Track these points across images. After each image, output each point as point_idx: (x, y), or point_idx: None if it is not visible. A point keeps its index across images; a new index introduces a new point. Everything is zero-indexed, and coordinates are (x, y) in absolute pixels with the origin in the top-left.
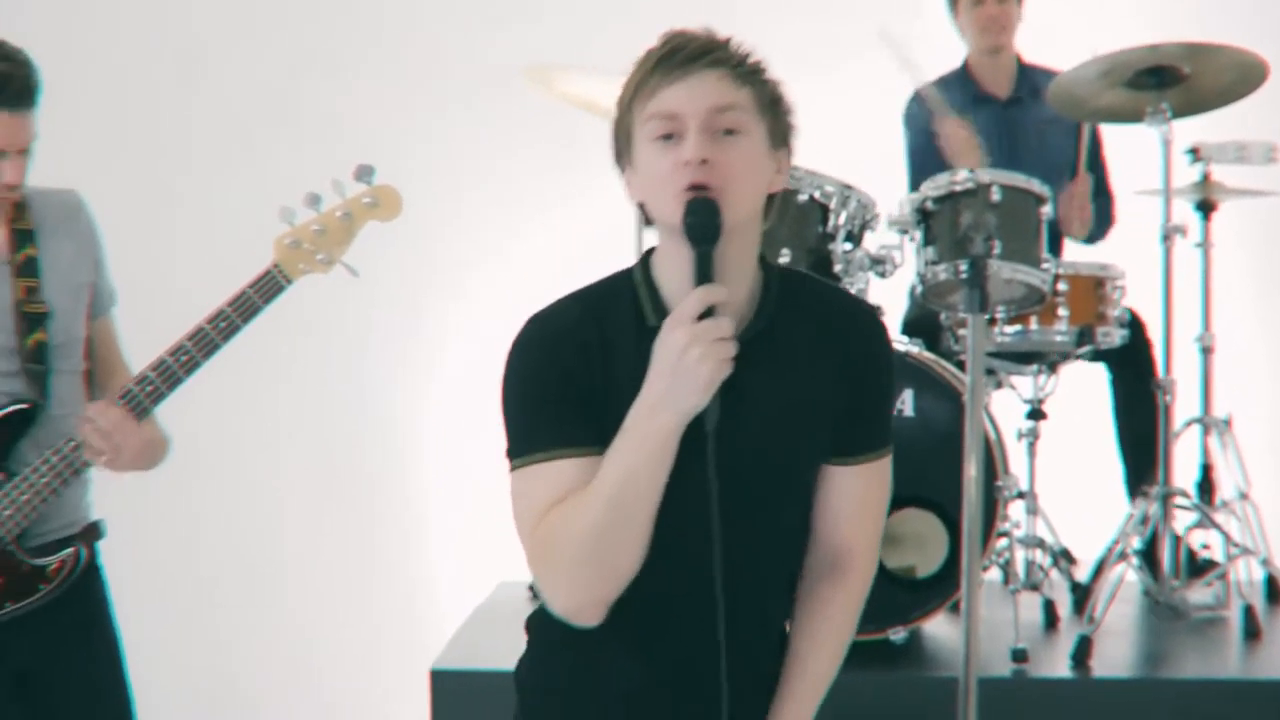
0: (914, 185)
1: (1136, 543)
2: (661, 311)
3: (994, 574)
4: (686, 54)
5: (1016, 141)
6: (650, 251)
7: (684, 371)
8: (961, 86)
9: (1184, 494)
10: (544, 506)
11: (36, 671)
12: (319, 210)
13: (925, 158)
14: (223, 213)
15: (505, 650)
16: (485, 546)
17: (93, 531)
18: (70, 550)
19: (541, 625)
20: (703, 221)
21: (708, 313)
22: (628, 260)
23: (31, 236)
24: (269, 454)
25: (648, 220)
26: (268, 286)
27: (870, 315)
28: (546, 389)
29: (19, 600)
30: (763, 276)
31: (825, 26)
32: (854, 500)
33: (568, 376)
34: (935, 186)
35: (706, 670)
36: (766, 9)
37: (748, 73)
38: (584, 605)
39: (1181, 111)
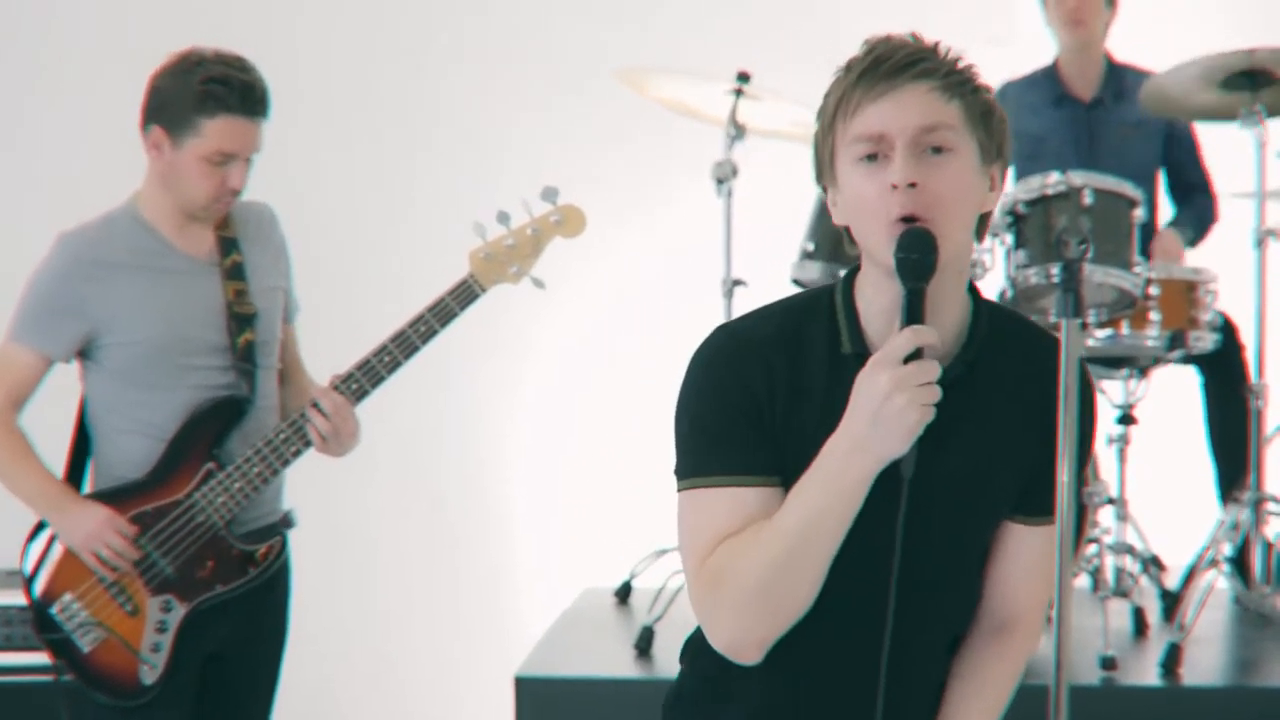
0: None
1: (1227, 549)
2: (858, 340)
3: (1083, 581)
4: (891, 65)
5: (1097, 144)
6: (852, 274)
7: (887, 418)
8: (1046, 85)
9: (1276, 500)
10: (718, 535)
11: (226, 655)
12: (508, 226)
13: None
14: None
15: (589, 657)
16: (570, 552)
17: (287, 521)
18: (277, 537)
19: (696, 656)
20: (916, 259)
21: (914, 354)
22: (716, 264)
23: (236, 244)
24: (353, 460)
25: (852, 242)
26: (464, 294)
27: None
28: (729, 408)
29: (228, 583)
30: (972, 309)
31: (919, 25)
32: (1030, 562)
33: (753, 397)
34: (1027, 190)
35: None
36: (860, 9)
37: (957, 84)
38: (747, 645)
39: (1276, 113)
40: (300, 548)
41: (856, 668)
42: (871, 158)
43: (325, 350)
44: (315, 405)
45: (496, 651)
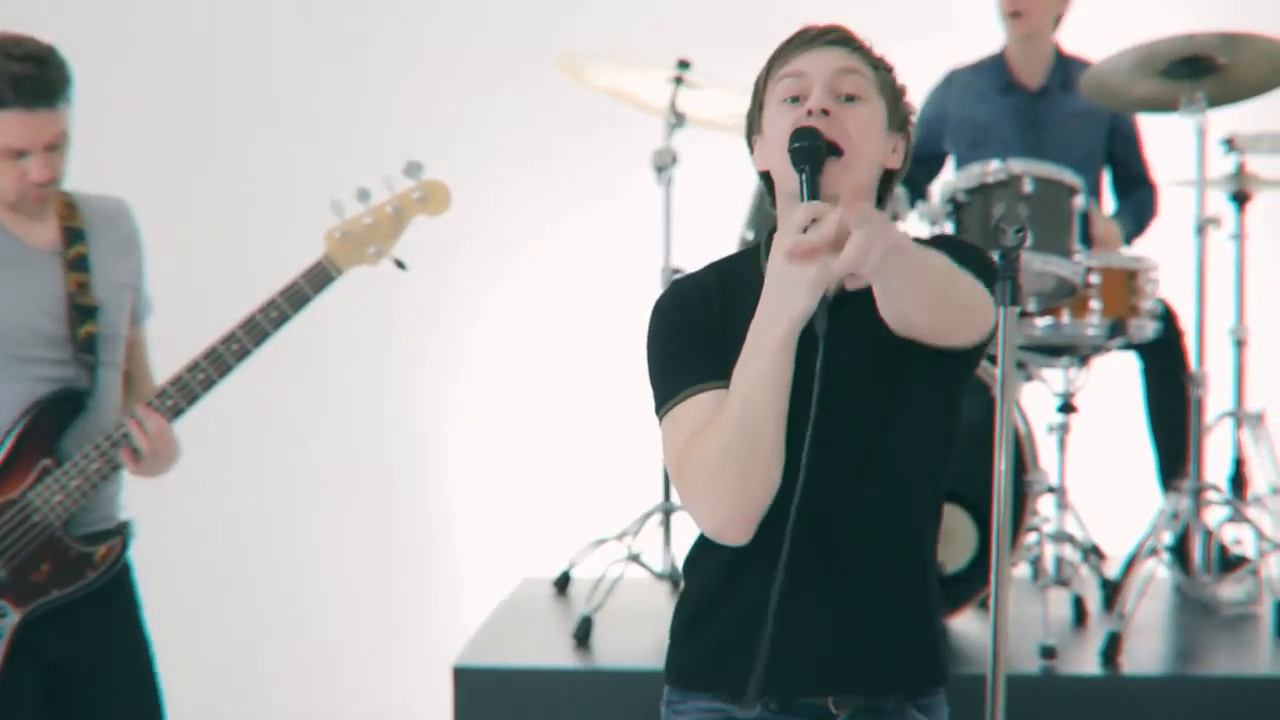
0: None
1: (1167, 538)
2: None
3: (1023, 570)
4: (818, 31)
5: (1042, 133)
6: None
7: (788, 278)
8: (993, 73)
9: (1216, 489)
10: (685, 438)
11: (66, 666)
12: (368, 204)
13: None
14: (254, 207)
15: (528, 647)
16: (509, 542)
17: (125, 529)
18: (117, 538)
19: (694, 566)
20: (808, 145)
21: None
22: (656, 253)
23: (82, 235)
24: (291, 450)
25: (772, 198)
26: (318, 277)
27: (957, 240)
28: (679, 338)
29: (64, 587)
30: None
31: (861, 11)
32: None
33: (697, 327)
34: (967, 178)
35: (801, 579)
36: None
37: (872, 57)
38: (726, 520)
39: (1217, 101)
40: (235, 542)
41: (835, 534)
42: (794, 99)
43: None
44: (137, 421)
45: (435, 641)
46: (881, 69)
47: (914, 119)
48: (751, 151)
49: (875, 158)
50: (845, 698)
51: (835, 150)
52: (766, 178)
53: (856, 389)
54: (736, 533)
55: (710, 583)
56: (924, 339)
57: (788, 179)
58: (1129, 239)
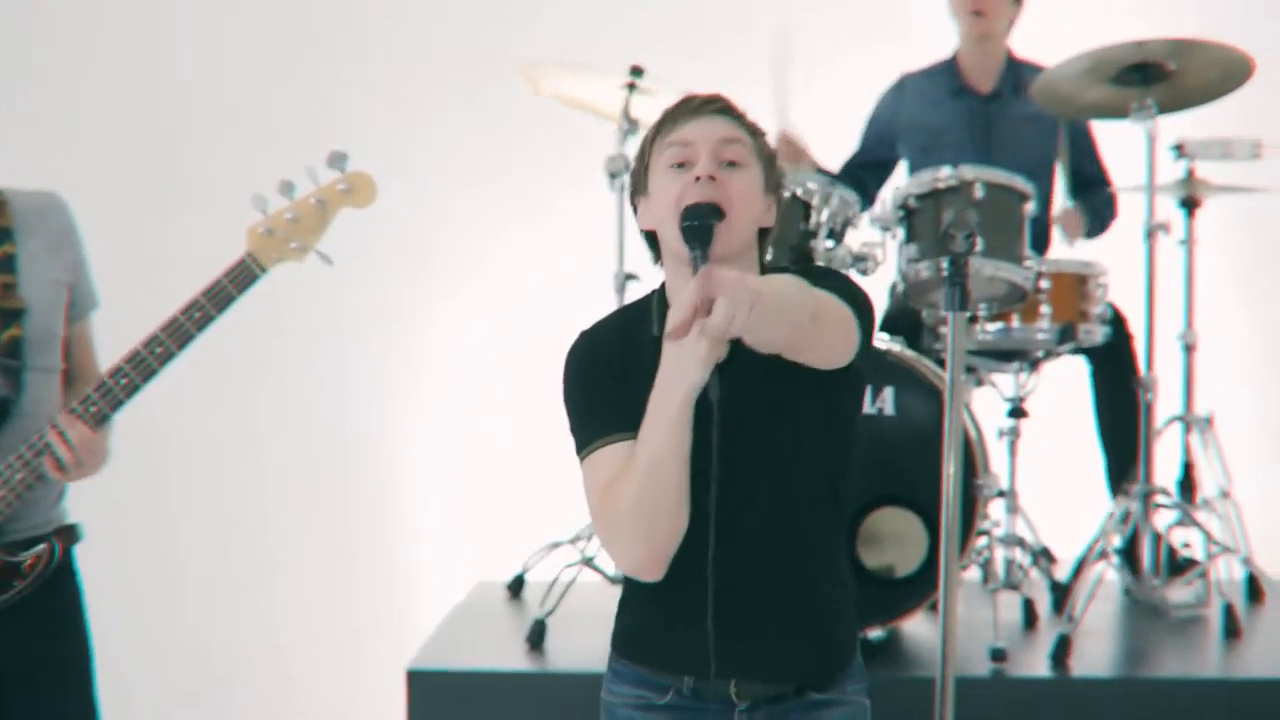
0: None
1: (1117, 541)
2: (664, 324)
3: (973, 573)
4: (701, 101)
5: (993, 137)
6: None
7: (684, 351)
8: (945, 78)
9: (1165, 492)
10: (603, 486)
11: (6, 680)
12: (293, 198)
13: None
14: (210, 208)
15: (482, 651)
16: (464, 546)
17: (68, 534)
18: (44, 546)
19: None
20: (700, 224)
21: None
22: (609, 259)
23: (9, 234)
24: (248, 453)
25: (656, 255)
26: (242, 276)
27: (820, 269)
28: (590, 389)
29: None
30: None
31: (816, 17)
32: None
33: (605, 378)
34: (918, 184)
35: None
36: (756, 5)
37: (749, 125)
38: (640, 562)
39: (1166, 108)
40: (192, 545)
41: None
42: (680, 166)
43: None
44: (58, 432)
45: (391, 644)
46: (758, 136)
47: (783, 182)
48: (635, 210)
49: (754, 218)
50: (745, 684)
51: (720, 213)
52: (651, 236)
53: (750, 422)
54: (649, 574)
55: (630, 605)
56: (794, 359)
57: (673, 240)
58: (1090, 233)
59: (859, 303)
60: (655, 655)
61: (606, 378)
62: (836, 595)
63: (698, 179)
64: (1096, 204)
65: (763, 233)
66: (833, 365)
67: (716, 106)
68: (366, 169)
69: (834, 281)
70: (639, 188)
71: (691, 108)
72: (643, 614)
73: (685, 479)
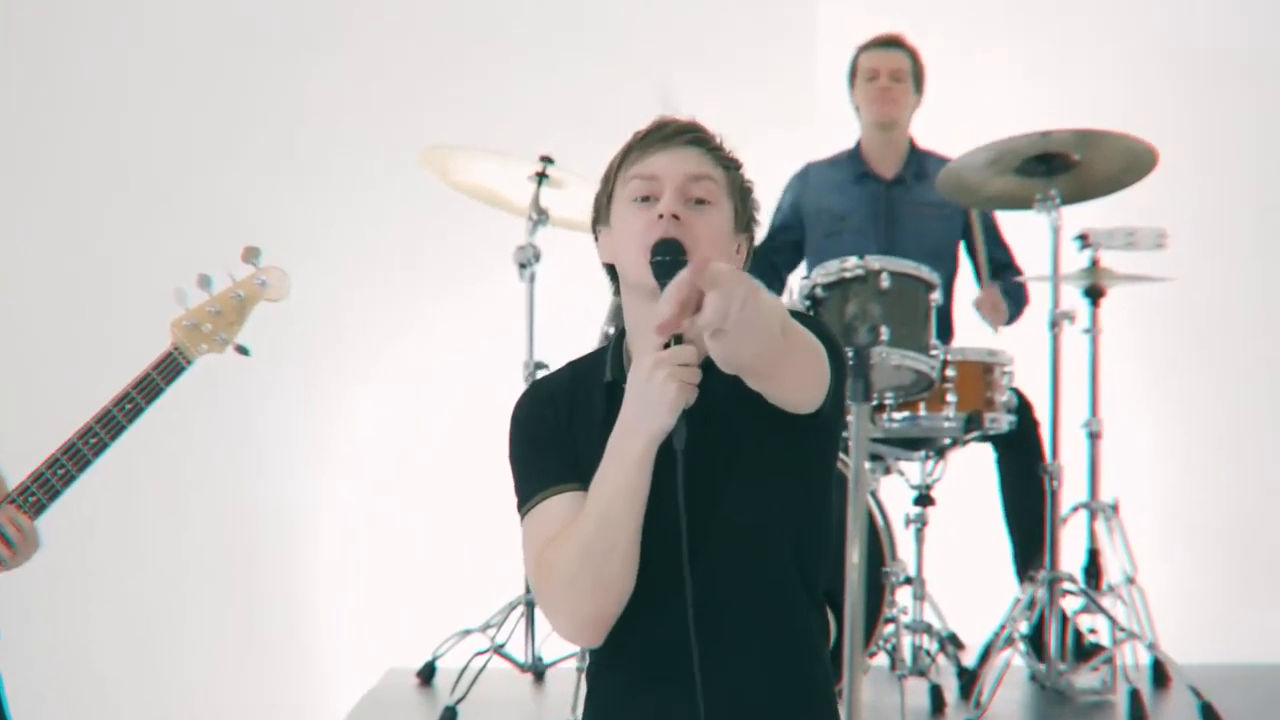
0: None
1: (1023, 627)
2: (619, 368)
3: (881, 659)
4: (672, 129)
5: (895, 223)
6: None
7: (651, 395)
8: (849, 164)
9: (1071, 579)
10: (544, 541)
11: None
12: (211, 291)
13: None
14: (119, 296)
15: None
16: (374, 632)
17: None
18: None
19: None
20: (669, 260)
21: (676, 341)
22: (519, 348)
23: None
24: (160, 540)
25: (615, 287)
26: (169, 368)
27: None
28: (533, 442)
29: None
30: None
31: (723, 108)
32: None
33: (549, 430)
34: (825, 273)
35: (688, 684)
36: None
37: (723, 157)
38: (581, 624)
39: (1070, 198)
40: (103, 627)
41: (679, 631)
42: (645, 199)
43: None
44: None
45: None
46: (732, 169)
47: (759, 216)
48: (596, 239)
49: (721, 260)
50: None
51: (683, 252)
52: (611, 268)
53: (715, 472)
54: (590, 637)
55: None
56: (761, 384)
57: (634, 271)
58: (1011, 318)
59: (830, 342)
60: None
61: (553, 430)
62: (816, 673)
63: (661, 217)
64: (1010, 290)
65: None
66: (802, 404)
67: (689, 137)
68: (279, 263)
69: (804, 320)
70: (600, 217)
71: (661, 136)
72: (617, 682)
73: (639, 532)
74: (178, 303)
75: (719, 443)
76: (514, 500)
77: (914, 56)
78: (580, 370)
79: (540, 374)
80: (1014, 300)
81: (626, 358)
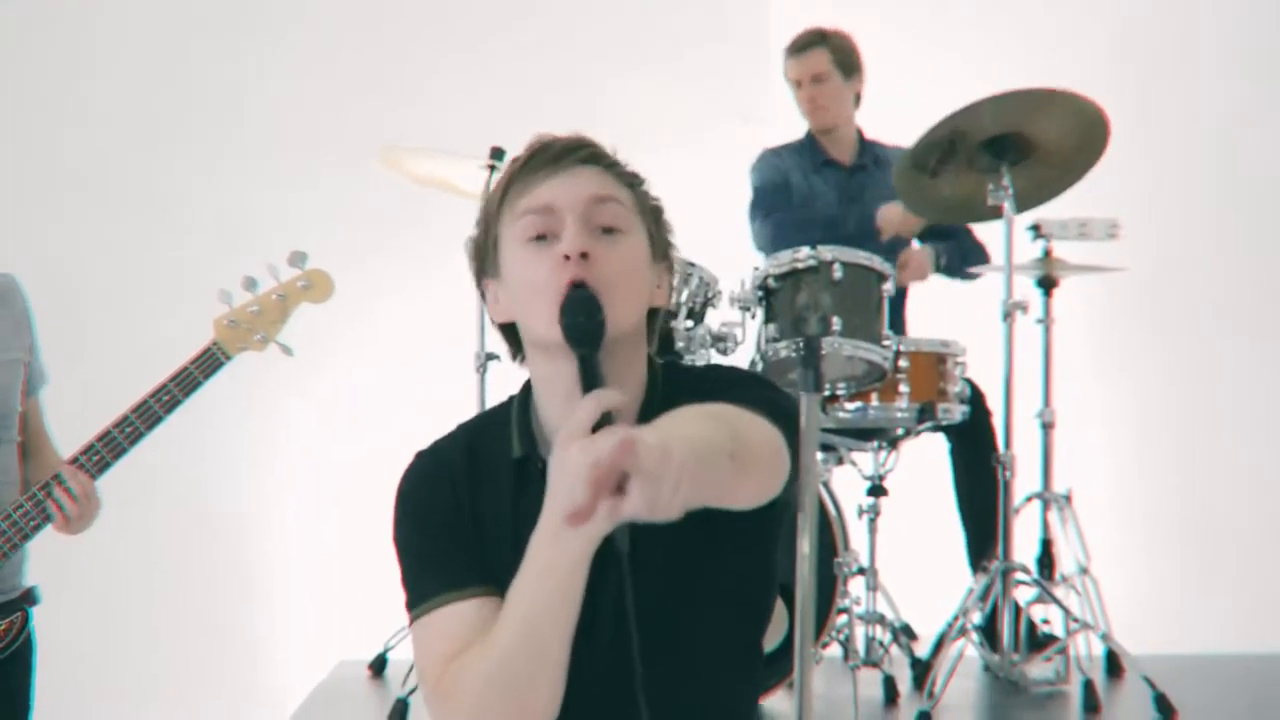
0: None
1: (977, 618)
2: (529, 441)
3: (834, 650)
4: (560, 148)
5: (861, 205)
6: (530, 382)
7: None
8: (808, 152)
9: (1024, 569)
10: (444, 656)
11: None
12: (255, 292)
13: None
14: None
15: None
16: (326, 624)
17: (29, 597)
18: (18, 614)
19: None
20: (583, 321)
21: (604, 421)
22: (470, 340)
23: None
24: (112, 533)
25: (515, 349)
26: (208, 363)
27: (758, 379)
28: (428, 531)
29: None
30: (647, 380)
31: (672, 101)
32: None
33: (447, 516)
34: (777, 264)
35: None
36: (611, 84)
37: (625, 173)
38: None
39: (1026, 194)
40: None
41: None
42: (541, 238)
43: (75, 418)
44: (62, 484)
45: None
46: (637, 186)
47: (673, 240)
48: (484, 296)
49: (641, 299)
50: None
51: (599, 308)
52: (508, 329)
53: (661, 576)
54: None
55: None
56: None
57: (541, 328)
58: (946, 268)
59: (785, 417)
60: None
61: (452, 516)
62: None
63: (567, 258)
64: (960, 243)
65: (652, 312)
66: (760, 502)
67: (581, 155)
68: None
69: (753, 392)
70: (486, 268)
71: (548, 158)
72: None
73: (565, 653)
74: (221, 301)
75: (664, 543)
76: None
77: (834, 47)
78: (478, 439)
79: (491, 365)
80: (952, 255)
81: (537, 428)
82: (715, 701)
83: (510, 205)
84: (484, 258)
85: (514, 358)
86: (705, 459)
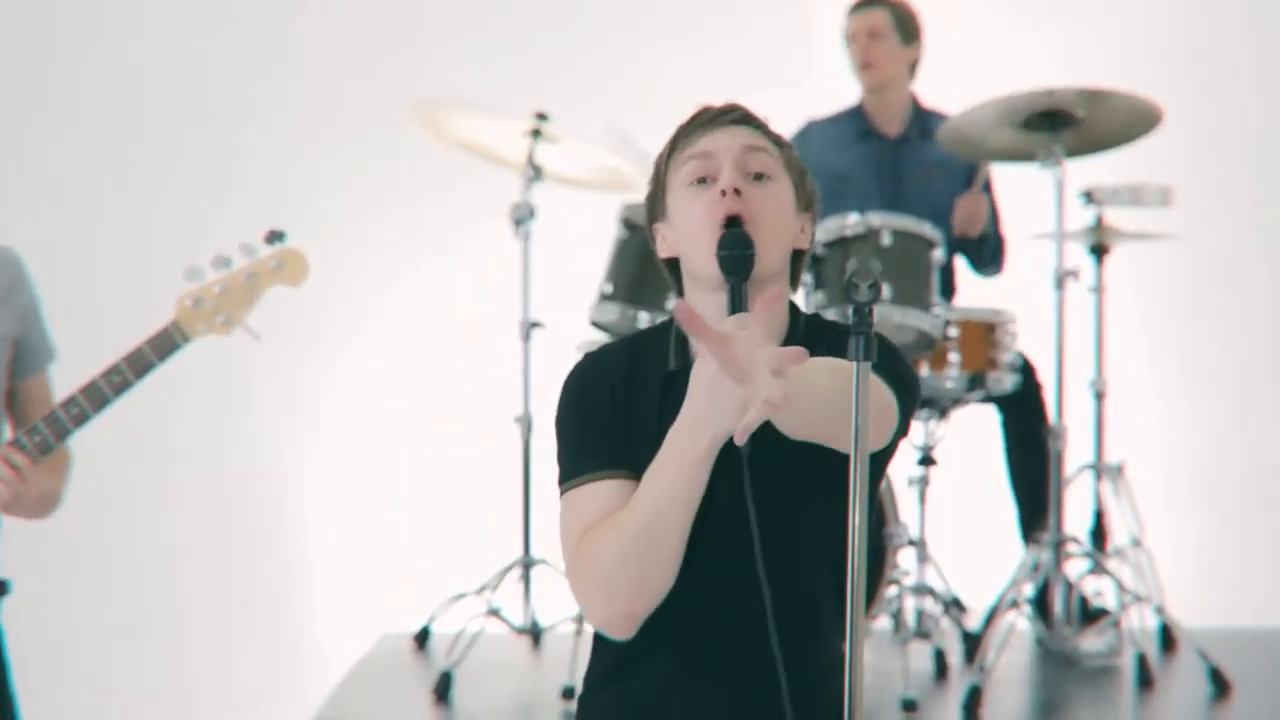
0: None
1: (1028, 590)
2: (682, 357)
3: (884, 623)
4: (718, 111)
5: (901, 181)
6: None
7: (717, 396)
8: (851, 122)
9: (1076, 541)
10: (585, 524)
11: None
12: (225, 271)
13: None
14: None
15: (386, 703)
16: (370, 598)
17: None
18: None
19: (602, 638)
20: (737, 254)
21: None
22: (514, 306)
23: None
24: (155, 505)
25: (677, 285)
26: (163, 344)
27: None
28: (584, 419)
29: None
30: (790, 319)
31: (719, 68)
32: None
33: (602, 412)
34: (825, 232)
35: (762, 683)
36: (661, 50)
37: (773, 134)
38: (616, 617)
39: (1074, 154)
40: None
41: (737, 637)
42: (702, 181)
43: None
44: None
45: (295, 698)
46: (784, 147)
47: (816, 194)
48: (652, 239)
49: (787, 239)
50: None
51: (750, 244)
52: (672, 264)
53: (772, 487)
54: (623, 629)
55: (615, 656)
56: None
57: (700, 266)
58: (981, 250)
59: (904, 385)
60: None
61: (607, 408)
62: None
63: (724, 193)
64: (991, 251)
65: (797, 255)
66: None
67: (735, 116)
68: (300, 246)
69: (883, 359)
70: (656, 213)
71: (707, 119)
72: (653, 677)
73: (686, 535)
74: (188, 280)
75: (780, 451)
76: (509, 460)
77: (896, 9)
78: (639, 350)
79: (535, 333)
80: (992, 257)
81: (692, 346)
82: (802, 599)
83: (676, 155)
84: (654, 204)
85: (677, 295)
86: (824, 400)
